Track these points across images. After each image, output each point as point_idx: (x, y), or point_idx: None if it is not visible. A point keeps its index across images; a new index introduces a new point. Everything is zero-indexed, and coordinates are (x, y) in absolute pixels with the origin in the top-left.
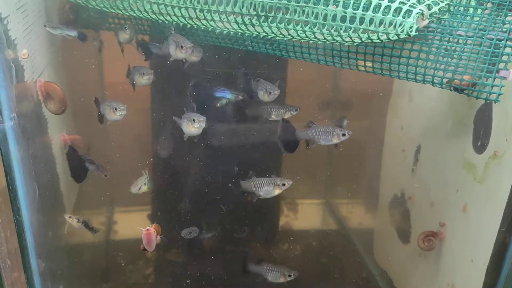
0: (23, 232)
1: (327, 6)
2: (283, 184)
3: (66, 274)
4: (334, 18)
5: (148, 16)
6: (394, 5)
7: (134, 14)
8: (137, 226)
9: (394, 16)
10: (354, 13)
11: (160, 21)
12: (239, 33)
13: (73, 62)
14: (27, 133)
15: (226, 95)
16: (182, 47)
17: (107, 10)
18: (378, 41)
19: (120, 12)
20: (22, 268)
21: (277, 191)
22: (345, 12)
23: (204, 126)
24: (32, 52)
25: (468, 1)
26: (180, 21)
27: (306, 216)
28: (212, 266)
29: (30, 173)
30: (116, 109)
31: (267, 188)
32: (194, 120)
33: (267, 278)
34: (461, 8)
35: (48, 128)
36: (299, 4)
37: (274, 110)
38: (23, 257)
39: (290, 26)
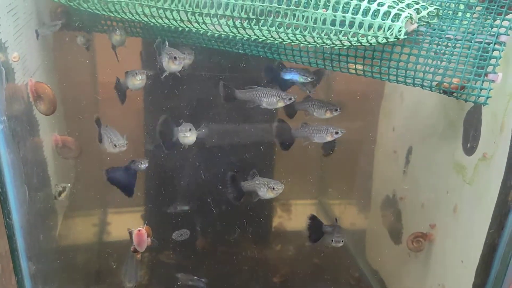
0: (13, 235)
1: (317, 9)
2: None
3: (57, 276)
4: (324, 21)
5: (140, 19)
6: (383, 9)
7: (126, 17)
8: (130, 227)
9: (383, 19)
10: (343, 17)
11: (152, 24)
12: (231, 36)
13: (65, 64)
14: (18, 136)
15: (294, 77)
16: (175, 58)
17: (98, 12)
18: (368, 44)
19: (112, 14)
20: (12, 271)
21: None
22: (334, 16)
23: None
24: (23, 54)
25: (457, 5)
26: (172, 24)
27: (299, 217)
28: (204, 268)
29: (21, 176)
30: (115, 145)
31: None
32: (185, 129)
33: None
34: (450, 12)
35: (39, 130)
36: (290, 8)
37: (316, 107)
38: (14, 260)
39: (281, 30)
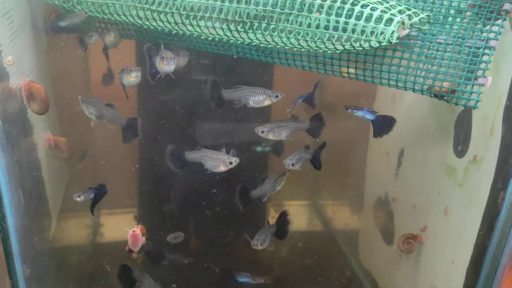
0: (8, 238)
1: (311, 14)
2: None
3: (52, 278)
4: (317, 26)
5: (134, 21)
6: (375, 14)
7: (120, 19)
8: (123, 228)
9: (376, 24)
10: (337, 22)
11: (146, 27)
12: (224, 39)
13: (59, 66)
14: (12, 139)
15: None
16: (163, 58)
17: (92, 14)
18: (360, 48)
19: (106, 17)
20: (6, 273)
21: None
22: (328, 21)
23: None
24: (17, 58)
25: (447, 10)
26: (166, 27)
27: (292, 218)
28: (198, 269)
29: (15, 179)
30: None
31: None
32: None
33: None
34: (441, 16)
35: (33, 133)
36: (284, 11)
37: None
38: (8, 263)
39: (275, 34)
